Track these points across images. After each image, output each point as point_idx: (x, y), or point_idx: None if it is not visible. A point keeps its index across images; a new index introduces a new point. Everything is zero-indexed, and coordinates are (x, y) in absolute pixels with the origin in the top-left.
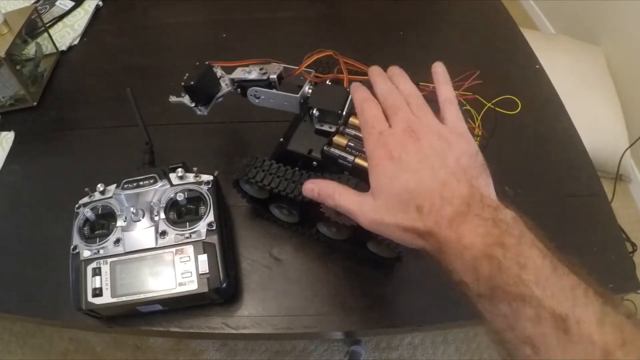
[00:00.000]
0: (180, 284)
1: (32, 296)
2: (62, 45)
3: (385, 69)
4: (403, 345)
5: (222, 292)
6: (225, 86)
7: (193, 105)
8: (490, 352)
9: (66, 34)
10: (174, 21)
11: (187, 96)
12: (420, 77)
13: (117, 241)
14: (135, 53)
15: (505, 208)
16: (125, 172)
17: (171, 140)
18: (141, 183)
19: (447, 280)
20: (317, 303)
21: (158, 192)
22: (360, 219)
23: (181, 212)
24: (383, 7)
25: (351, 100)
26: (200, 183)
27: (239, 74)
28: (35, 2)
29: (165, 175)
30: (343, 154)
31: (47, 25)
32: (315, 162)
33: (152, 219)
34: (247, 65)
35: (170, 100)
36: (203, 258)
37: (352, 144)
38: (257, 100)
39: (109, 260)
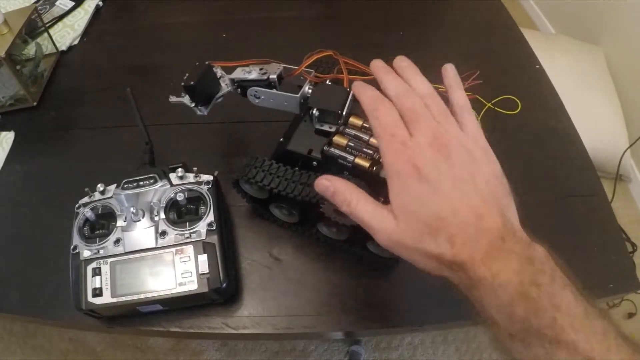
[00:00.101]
0: (180, 284)
1: (32, 296)
2: (62, 45)
3: None
4: (403, 345)
5: (222, 292)
6: (225, 86)
7: (193, 105)
8: (490, 352)
9: (66, 34)
10: (174, 21)
11: (187, 96)
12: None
13: (117, 241)
14: (135, 53)
15: (535, 243)
16: (125, 172)
17: (171, 140)
18: (141, 183)
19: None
20: (317, 303)
21: (158, 192)
22: (378, 236)
23: (181, 212)
24: (383, 6)
25: (351, 100)
26: (200, 183)
27: (239, 74)
28: (35, 2)
29: (165, 175)
30: (343, 154)
31: (47, 25)
32: (315, 162)
33: (152, 219)
34: (247, 65)
35: (170, 100)
36: (203, 258)
37: (352, 144)
38: (257, 100)
39: (109, 260)
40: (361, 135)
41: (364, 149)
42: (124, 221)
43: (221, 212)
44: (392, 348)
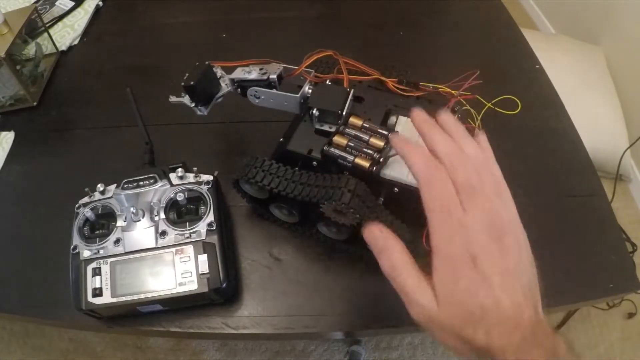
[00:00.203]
0: (180, 284)
1: (32, 296)
2: (62, 45)
3: (385, 68)
4: (403, 345)
5: (222, 292)
6: (225, 86)
7: (193, 105)
8: None
9: (66, 34)
10: (174, 21)
11: (187, 96)
12: (421, 77)
13: (117, 241)
14: (135, 53)
15: (558, 336)
16: (125, 172)
17: (171, 140)
18: (141, 183)
19: None
20: (317, 303)
21: (158, 192)
22: (414, 311)
23: (181, 212)
24: (383, 7)
25: (351, 100)
26: (200, 183)
27: (239, 74)
28: (35, 2)
29: (165, 175)
30: (343, 154)
31: (47, 25)
32: (315, 162)
33: (152, 219)
34: (247, 65)
35: (170, 100)
36: (203, 258)
37: (352, 144)
38: (257, 100)
39: (109, 260)
40: (361, 135)
41: (364, 149)
42: (124, 221)
43: (221, 212)
44: (392, 348)
